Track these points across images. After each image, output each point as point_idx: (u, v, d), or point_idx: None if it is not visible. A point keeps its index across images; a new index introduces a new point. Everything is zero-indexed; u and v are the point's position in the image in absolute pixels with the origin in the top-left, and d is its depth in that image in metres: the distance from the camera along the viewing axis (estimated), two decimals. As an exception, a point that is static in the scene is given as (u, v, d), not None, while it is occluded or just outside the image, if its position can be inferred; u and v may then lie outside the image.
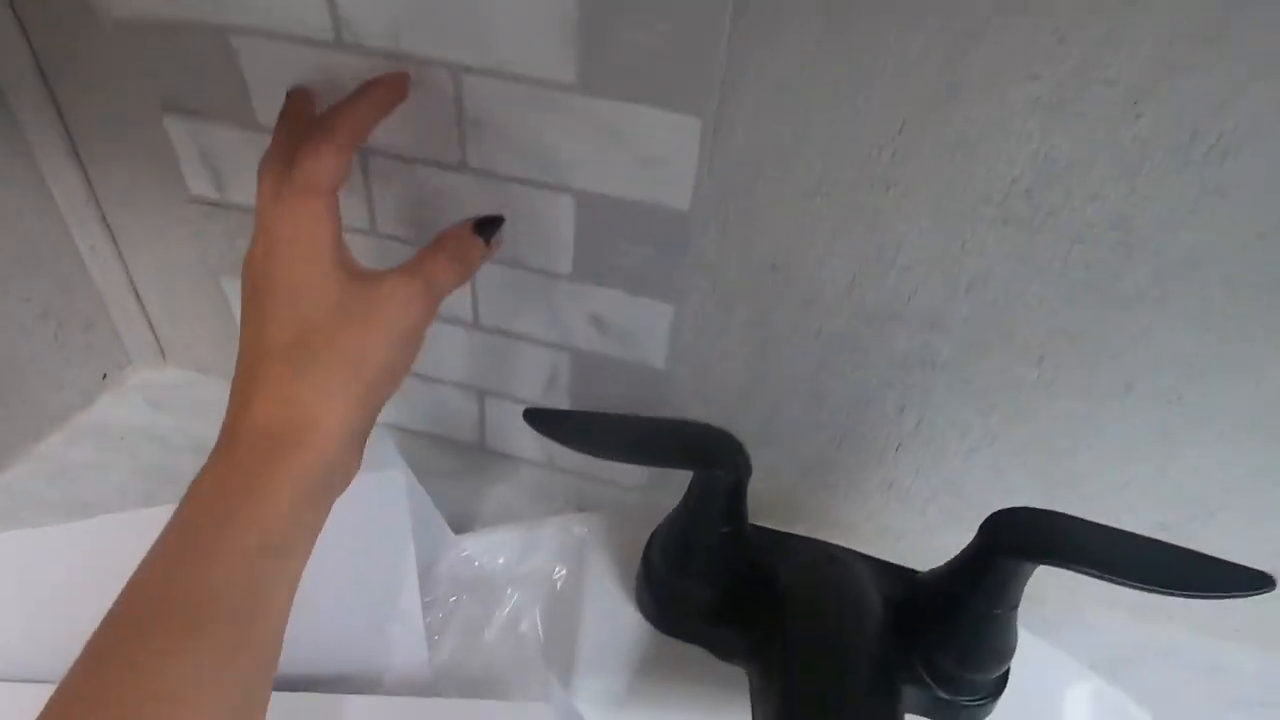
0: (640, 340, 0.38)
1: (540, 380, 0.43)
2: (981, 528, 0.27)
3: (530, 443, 0.48)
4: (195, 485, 0.24)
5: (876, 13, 0.26)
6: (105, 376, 0.49)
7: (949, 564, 0.29)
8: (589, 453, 0.27)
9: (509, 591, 0.32)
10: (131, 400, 0.49)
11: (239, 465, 0.23)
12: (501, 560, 0.34)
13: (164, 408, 0.49)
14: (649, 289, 0.36)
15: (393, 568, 0.31)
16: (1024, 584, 0.27)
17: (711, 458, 0.27)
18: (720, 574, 0.30)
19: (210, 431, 0.25)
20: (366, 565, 0.31)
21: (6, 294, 0.41)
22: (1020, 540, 0.25)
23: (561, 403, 0.44)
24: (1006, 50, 0.25)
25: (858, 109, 0.28)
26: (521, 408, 0.46)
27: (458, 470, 0.48)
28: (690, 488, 0.29)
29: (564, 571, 0.32)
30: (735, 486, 0.28)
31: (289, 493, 0.23)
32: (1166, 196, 0.27)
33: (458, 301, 0.41)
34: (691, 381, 0.39)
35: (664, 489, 0.45)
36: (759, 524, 0.32)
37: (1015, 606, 0.27)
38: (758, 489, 0.32)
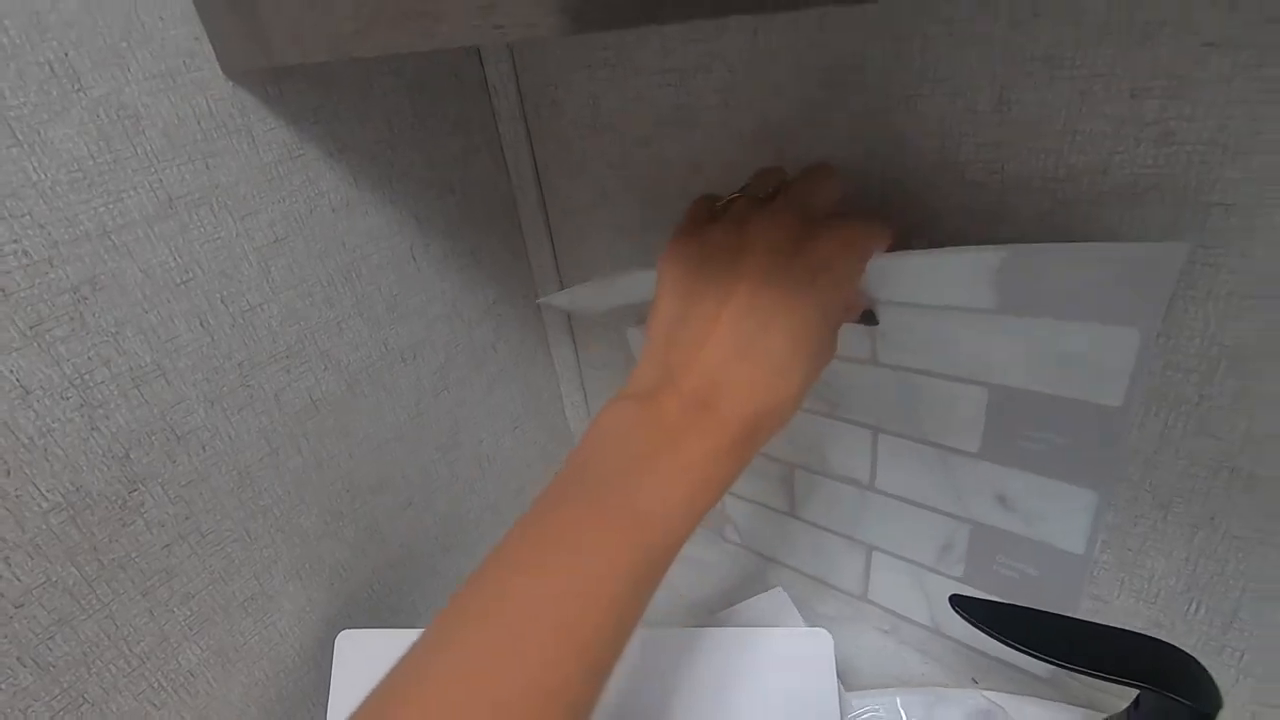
0: (1053, 522, 0.38)
1: (934, 546, 0.45)
2: None
3: (916, 603, 0.49)
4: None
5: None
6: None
7: None
8: (1026, 650, 0.28)
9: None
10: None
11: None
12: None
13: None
14: (1066, 474, 0.36)
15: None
16: None
17: (1176, 683, 0.26)
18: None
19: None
20: (797, 716, 0.35)
21: (523, 439, 0.57)
22: None
23: (956, 569, 0.45)
24: None
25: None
26: (910, 566, 0.48)
27: (837, 617, 0.51)
28: (1139, 705, 0.28)
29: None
30: None
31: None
32: None
33: (856, 462, 0.45)
34: (1118, 570, 0.37)
35: (1075, 678, 0.42)
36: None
37: None
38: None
